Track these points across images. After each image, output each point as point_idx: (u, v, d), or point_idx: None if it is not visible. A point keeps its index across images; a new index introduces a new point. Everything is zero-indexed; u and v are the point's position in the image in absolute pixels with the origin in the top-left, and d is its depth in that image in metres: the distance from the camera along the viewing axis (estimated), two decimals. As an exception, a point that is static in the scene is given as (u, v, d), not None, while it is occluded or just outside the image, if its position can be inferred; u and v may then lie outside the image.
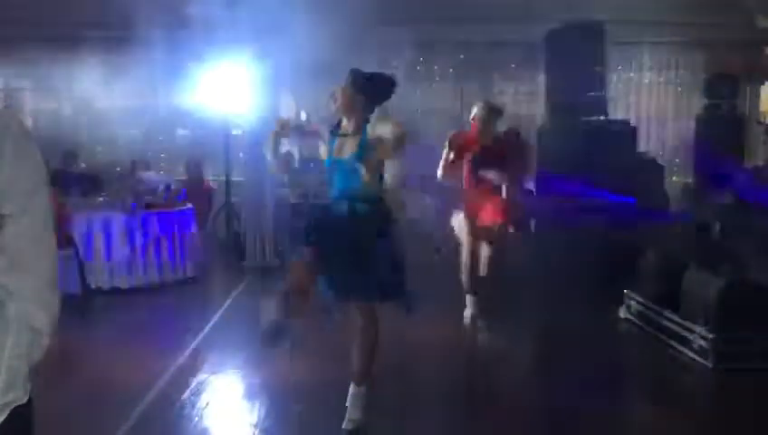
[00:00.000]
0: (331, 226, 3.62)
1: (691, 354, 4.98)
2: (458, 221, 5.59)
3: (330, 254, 3.52)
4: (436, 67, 10.41)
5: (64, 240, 6.34)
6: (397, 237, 3.69)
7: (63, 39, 7.97)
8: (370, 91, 3.64)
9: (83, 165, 9.57)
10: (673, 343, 5.24)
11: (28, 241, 1.42)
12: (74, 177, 8.43)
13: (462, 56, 10.06)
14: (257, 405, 4.23)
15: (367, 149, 3.52)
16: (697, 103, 9.58)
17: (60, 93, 9.89)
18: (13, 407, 1.41)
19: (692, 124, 9.41)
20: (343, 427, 3.68)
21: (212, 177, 9.62)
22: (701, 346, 4.90)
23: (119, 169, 9.69)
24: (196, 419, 4.01)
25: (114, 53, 7.85)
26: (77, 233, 6.82)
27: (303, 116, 10.20)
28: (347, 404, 3.76)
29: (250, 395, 4.44)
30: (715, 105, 8.26)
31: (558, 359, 5.27)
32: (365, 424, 3.69)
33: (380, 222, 3.62)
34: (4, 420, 1.40)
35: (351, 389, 3.76)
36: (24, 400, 1.45)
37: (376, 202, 3.63)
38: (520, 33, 9.10)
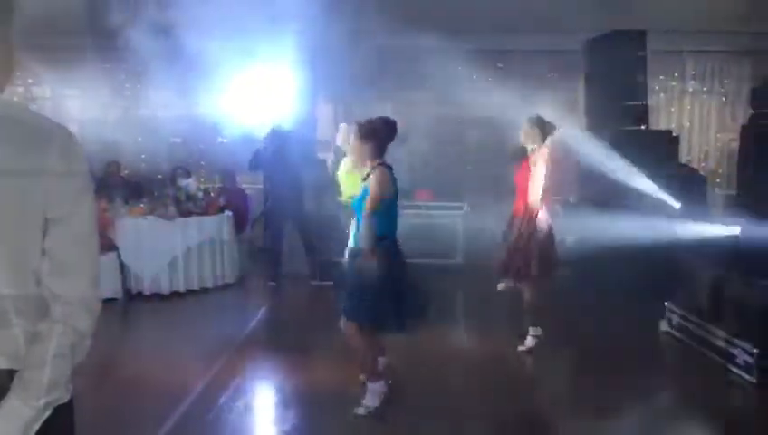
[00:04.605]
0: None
1: (735, 370, 4.86)
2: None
3: None
4: (474, 76, 10.37)
5: (106, 246, 6.49)
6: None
7: (109, 48, 8.15)
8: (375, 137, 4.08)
9: (126, 172, 9.79)
10: (716, 357, 5.12)
11: (72, 245, 1.46)
12: (117, 184, 8.62)
13: (500, 65, 10.00)
14: (292, 411, 4.25)
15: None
16: (743, 114, 9.35)
17: (105, 101, 10.12)
18: (55, 406, 1.45)
19: (736, 135, 9.20)
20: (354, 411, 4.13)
21: (250, 184, 9.68)
22: (745, 361, 4.77)
23: (160, 177, 9.88)
24: (233, 423, 4.04)
25: (156, 61, 7.99)
26: (119, 239, 6.97)
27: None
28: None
29: (286, 401, 4.46)
30: (761, 115, 8.04)
31: (598, 373, 5.17)
32: (379, 412, 4.13)
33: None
34: (47, 418, 1.44)
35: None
36: (66, 399, 1.49)
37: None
38: (560, 42, 9.02)
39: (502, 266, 5.37)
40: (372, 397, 4.17)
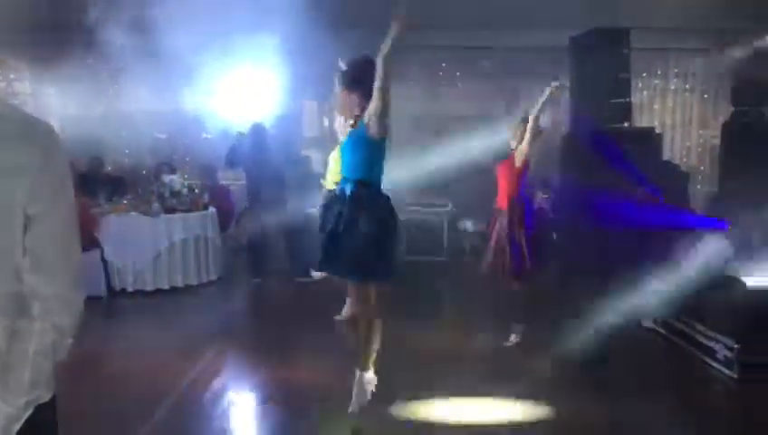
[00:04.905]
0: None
1: (716, 365, 4.92)
2: None
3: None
4: (458, 73, 10.40)
5: (90, 242, 6.43)
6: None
7: (92, 43, 8.09)
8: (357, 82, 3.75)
9: (109, 168, 9.71)
10: (697, 353, 5.17)
11: (53, 242, 1.45)
12: (100, 180, 8.55)
13: (485, 62, 10.02)
14: (277, 408, 4.25)
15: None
16: (724, 111, 9.45)
17: (87, 97, 10.04)
18: (37, 404, 1.44)
19: (718, 132, 9.29)
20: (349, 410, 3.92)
21: (233, 181, 9.64)
22: (726, 357, 4.83)
23: (144, 173, 9.82)
24: (217, 420, 4.03)
25: (139, 57, 7.95)
26: (102, 235, 6.91)
27: (326, 122, 10.27)
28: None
29: (270, 398, 4.45)
30: (741, 112, 8.13)
31: (579, 368, 5.20)
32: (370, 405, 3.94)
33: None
34: (29, 416, 1.43)
35: (356, 375, 3.97)
36: (48, 398, 1.48)
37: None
38: (544, 39, 9.05)
39: (491, 266, 5.37)
40: (364, 391, 3.98)
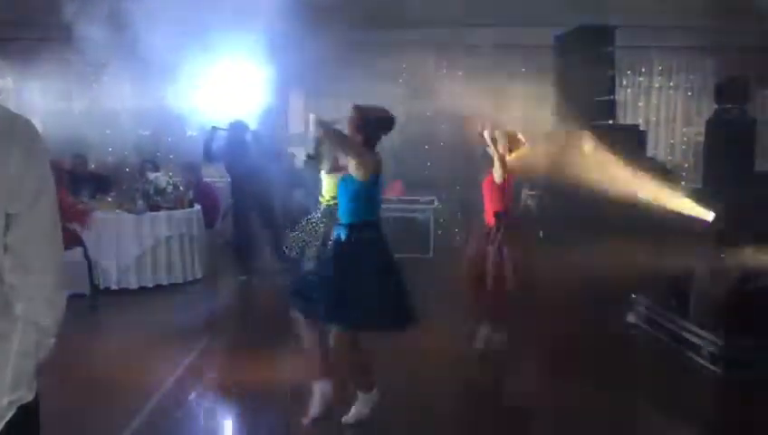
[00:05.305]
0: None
1: (701, 361, 4.95)
2: None
3: None
4: (444, 70, 10.39)
5: (73, 240, 6.37)
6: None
7: (75, 39, 8.01)
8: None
9: (93, 166, 9.62)
10: (682, 349, 5.20)
11: (35, 241, 1.43)
12: (84, 177, 8.46)
13: (471, 59, 10.02)
14: (263, 408, 4.22)
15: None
16: (708, 108, 9.52)
17: (70, 94, 9.94)
18: (19, 405, 1.42)
19: (702, 129, 9.37)
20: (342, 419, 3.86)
21: (218, 178, 9.59)
22: (711, 353, 4.86)
23: (128, 170, 9.73)
24: (202, 420, 4.01)
25: (122, 54, 7.88)
26: (86, 233, 6.84)
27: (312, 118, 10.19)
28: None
29: (256, 398, 4.43)
30: (725, 109, 8.19)
31: (565, 364, 5.23)
32: (367, 418, 3.85)
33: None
34: (11, 417, 1.41)
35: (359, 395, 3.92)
36: (30, 398, 1.46)
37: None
38: (530, 37, 9.08)
39: (474, 272, 5.34)
40: (364, 406, 3.88)
